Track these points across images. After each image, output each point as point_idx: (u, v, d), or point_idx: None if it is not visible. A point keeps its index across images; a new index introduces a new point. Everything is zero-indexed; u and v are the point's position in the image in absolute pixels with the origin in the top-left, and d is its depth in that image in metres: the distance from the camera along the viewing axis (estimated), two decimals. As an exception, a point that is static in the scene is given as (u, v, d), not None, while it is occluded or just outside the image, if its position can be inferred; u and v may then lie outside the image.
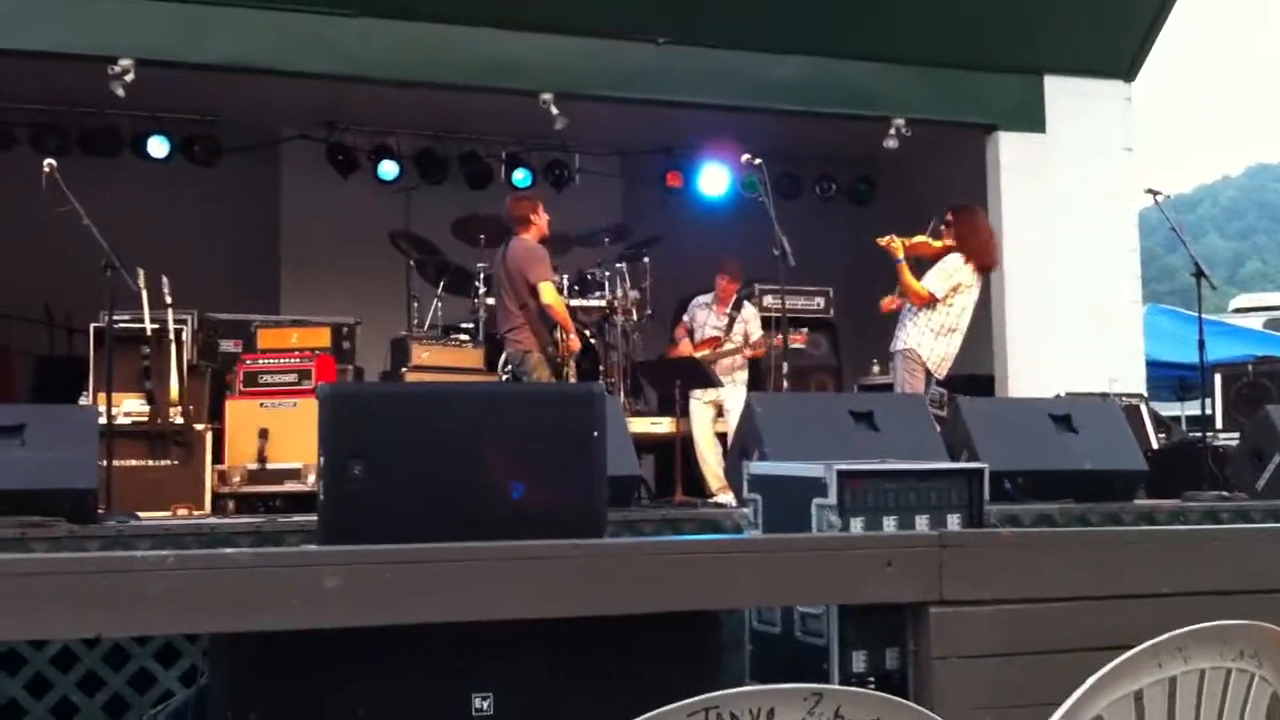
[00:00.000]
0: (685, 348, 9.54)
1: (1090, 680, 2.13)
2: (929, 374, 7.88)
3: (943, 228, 8.20)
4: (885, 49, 10.26)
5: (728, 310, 9.52)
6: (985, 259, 8.15)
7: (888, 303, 8.16)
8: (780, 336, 8.46)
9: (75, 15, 8.64)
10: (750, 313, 9.53)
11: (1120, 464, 6.63)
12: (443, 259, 10.09)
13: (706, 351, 9.32)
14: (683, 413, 8.86)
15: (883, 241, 8.01)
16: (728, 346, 9.39)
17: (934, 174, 11.45)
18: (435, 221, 10.48)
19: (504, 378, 8.81)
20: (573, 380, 8.27)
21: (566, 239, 10.00)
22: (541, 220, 8.38)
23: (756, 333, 9.41)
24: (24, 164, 8.61)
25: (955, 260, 7.99)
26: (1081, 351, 10.14)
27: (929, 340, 7.87)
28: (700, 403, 9.10)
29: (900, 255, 8.02)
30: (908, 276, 7.99)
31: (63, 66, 9.05)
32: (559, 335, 8.23)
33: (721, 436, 8.84)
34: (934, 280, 7.95)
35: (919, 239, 8.17)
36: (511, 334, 8.23)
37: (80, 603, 2.80)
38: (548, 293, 8.08)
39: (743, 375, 9.36)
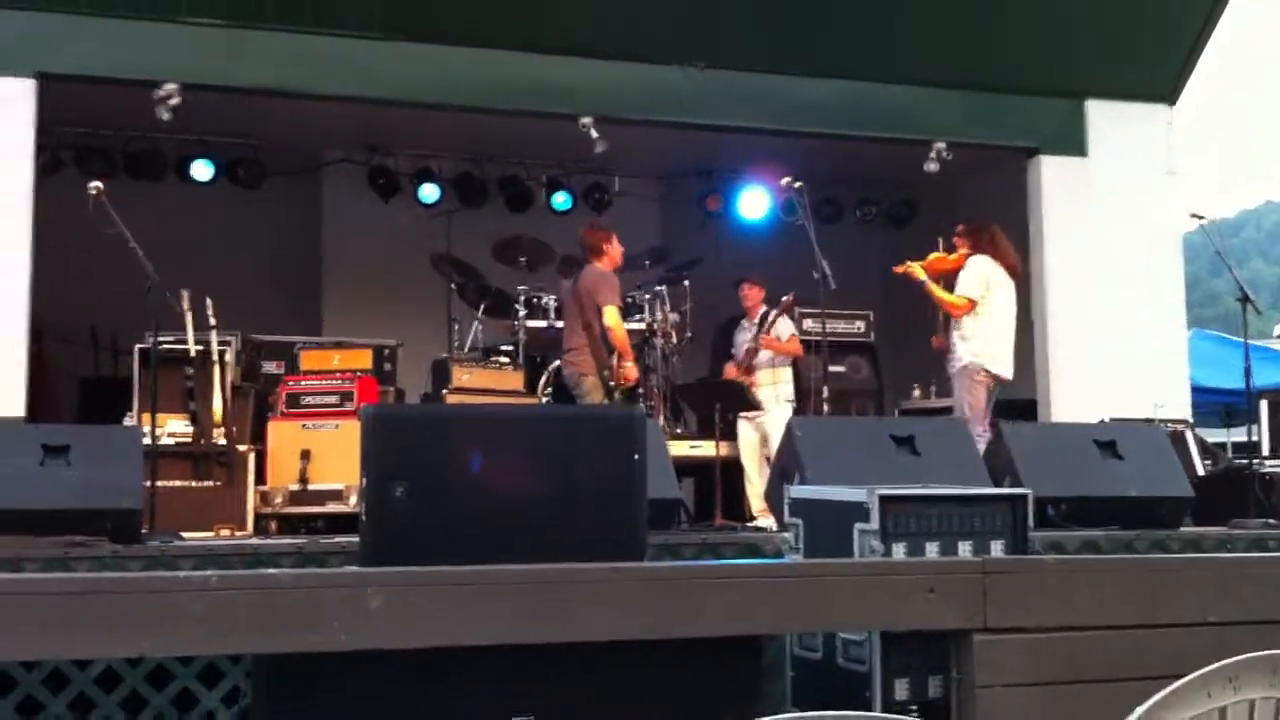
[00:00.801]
0: (729, 371, 9.52)
1: (1138, 711, 2.10)
2: (990, 388, 7.86)
3: (955, 241, 8.28)
4: (926, 72, 10.25)
5: (756, 320, 9.50)
6: (1007, 260, 8.14)
7: (938, 341, 8.18)
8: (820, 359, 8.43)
9: (120, 39, 8.74)
10: (783, 320, 9.43)
11: (1166, 490, 6.56)
12: (483, 282, 10.12)
13: (738, 368, 9.32)
14: (729, 435, 8.84)
15: (900, 269, 8.10)
16: (752, 347, 9.36)
17: (975, 197, 11.39)
18: (476, 244, 10.52)
19: (543, 399, 8.82)
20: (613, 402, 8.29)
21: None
22: (615, 250, 8.59)
23: (786, 333, 9.35)
24: (70, 187, 8.70)
25: (980, 261, 8.06)
26: (1126, 376, 10.04)
27: (985, 346, 7.88)
28: (748, 424, 9.08)
29: (922, 276, 8.06)
30: (940, 292, 8.03)
31: (108, 90, 9.15)
32: (615, 362, 8.27)
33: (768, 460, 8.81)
34: (967, 285, 7.98)
35: (934, 256, 8.22)
36: (570, 355, 8.39)
37: (123, 622, 2.82)
38: (610, 315, 8.19)
39: (786, 391, 9.25)
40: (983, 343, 7.90)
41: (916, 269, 8.10)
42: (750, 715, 3.87)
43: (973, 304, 7.91)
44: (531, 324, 9.40)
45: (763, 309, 9.46)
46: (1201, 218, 7.90)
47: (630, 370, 8.39)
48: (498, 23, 9.36)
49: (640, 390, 9.32)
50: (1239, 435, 11.69)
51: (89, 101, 9.67)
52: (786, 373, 9.31)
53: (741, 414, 9.00)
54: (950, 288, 8.11)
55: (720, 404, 8.58)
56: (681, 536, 5.91)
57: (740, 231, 12.25)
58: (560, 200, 12.06)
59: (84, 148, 10.79)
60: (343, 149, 11.83)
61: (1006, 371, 8.00)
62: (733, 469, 9.00)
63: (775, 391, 9.13)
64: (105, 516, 5.42)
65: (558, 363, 8.86)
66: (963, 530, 4.22)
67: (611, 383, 8.22)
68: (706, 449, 8.92)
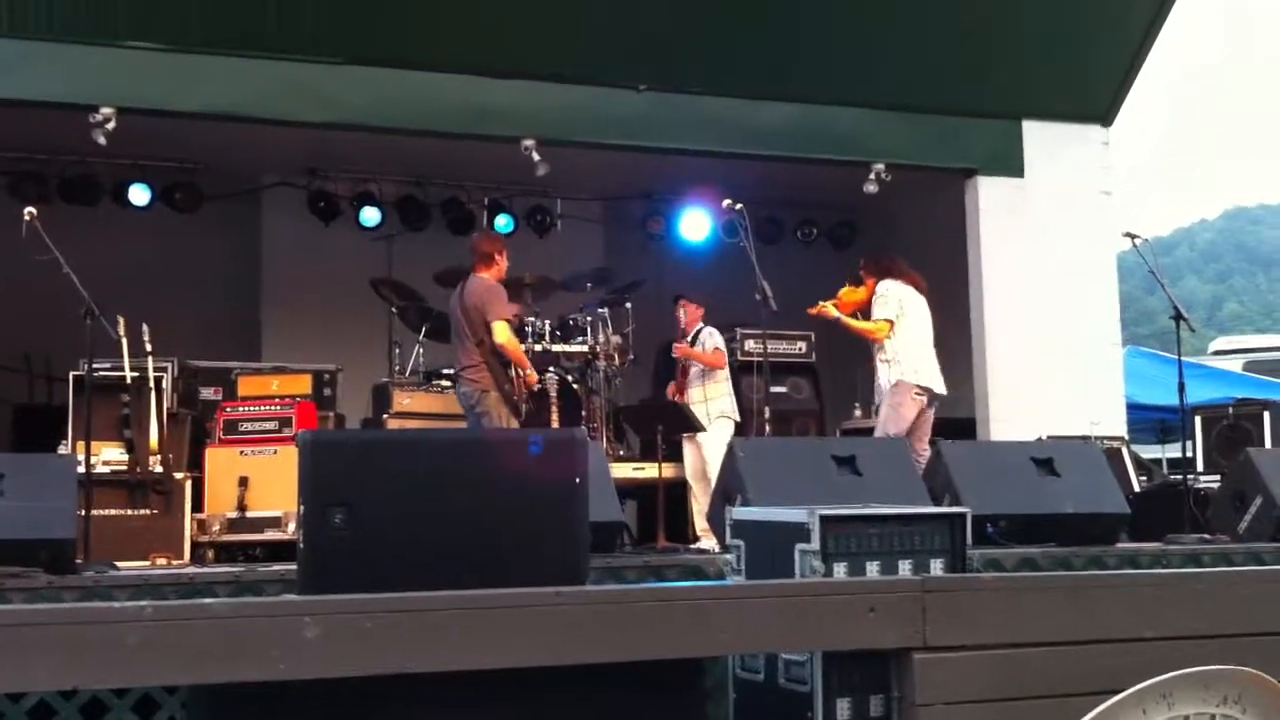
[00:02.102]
0: (670, 391, 9.54)
1: (1075, 727, 2.12)
2: (922, 407, 7.94)
3: (861, 273, 8.46)
4: (865, 95, 10.35)
5: (689, 338, 9.53)
6: (914, 280, 8.29)
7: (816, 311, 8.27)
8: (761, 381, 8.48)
9: (56, 63, 8.66)
10: (711, 331, 9.47)
11: (1102, 507, 6.63)
12: (424, 305, 10.08)
13: (675, 388, 9.37)
14: (672, 456, 8.86)
15: (814, 311, 8.21)
16: (681, 355, 9.43)
17: (914, 218, 11.53)
18: (417, 268, 10.48)
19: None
20: (521, 416, 8.22)
21: (549, 284, 10.01)
22: (504, 262, 8.36)
23: (712, 345, 9.35)
24: (3, 212, 8.60)
25: (889, 285, 8.23)
26: (1062, 395, 10.17)
27: (911, 363, 7.98)
28: (689, 444, 9.09)
29: (835, 314, 8.21)
30: (857, 324, 8.22)
31: (43, 114, 9.06)
32: (514, 373, 8.17)
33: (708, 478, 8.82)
34: (881, 309, 8.12)
35: (843, 292, 8.37)
36: (467, 373, 8.12)
37: (57, 654, 2.77)
38: (500, 332, 8.00)
39: (718, 407, 9.23)
40: (908, 361, 8.01)
41: (829, 308, 8.25)
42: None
43: (891, 325, 8.04)
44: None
45: (698, 326, 9.48)
46: (1136, 236, 8.01)
47: (531, 376, 8.29)
48: (439, 46, 9.37)
49: (583, 412, 9.32)
50: (1174, 451, 11.84)
51: (23, 126, 9.57)
52: (718, 388, 9.30)
53: (684, 435, 9.01)
54: (867, 318, 8.25)
55: (663, 426, 8.59)
56: (624, 559, 5.90)
57: (682, 253, 12.30)
58: (502, 223, 12.05)
59: (18, 173, 10.67)
60: (282, 173, 11.77)
61: (937, 384, 8.09)
62: (675, 491, 9.01)
63: (707, 409, 9.13)
64: (39, 546, 5.32)
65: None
66: (903, 549, 4.24)
67: (515, 396, 8.12)
68: (649, 471, 8.94)
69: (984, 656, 3.44)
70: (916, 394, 7.97)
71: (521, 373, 8.15)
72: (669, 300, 9.93)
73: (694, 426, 8.83)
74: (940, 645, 3.40)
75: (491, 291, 8.12)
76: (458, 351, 8.34)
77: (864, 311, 8.32)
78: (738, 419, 9.26)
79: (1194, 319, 8.62)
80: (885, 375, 8.07)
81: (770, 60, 10.00)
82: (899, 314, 8.08)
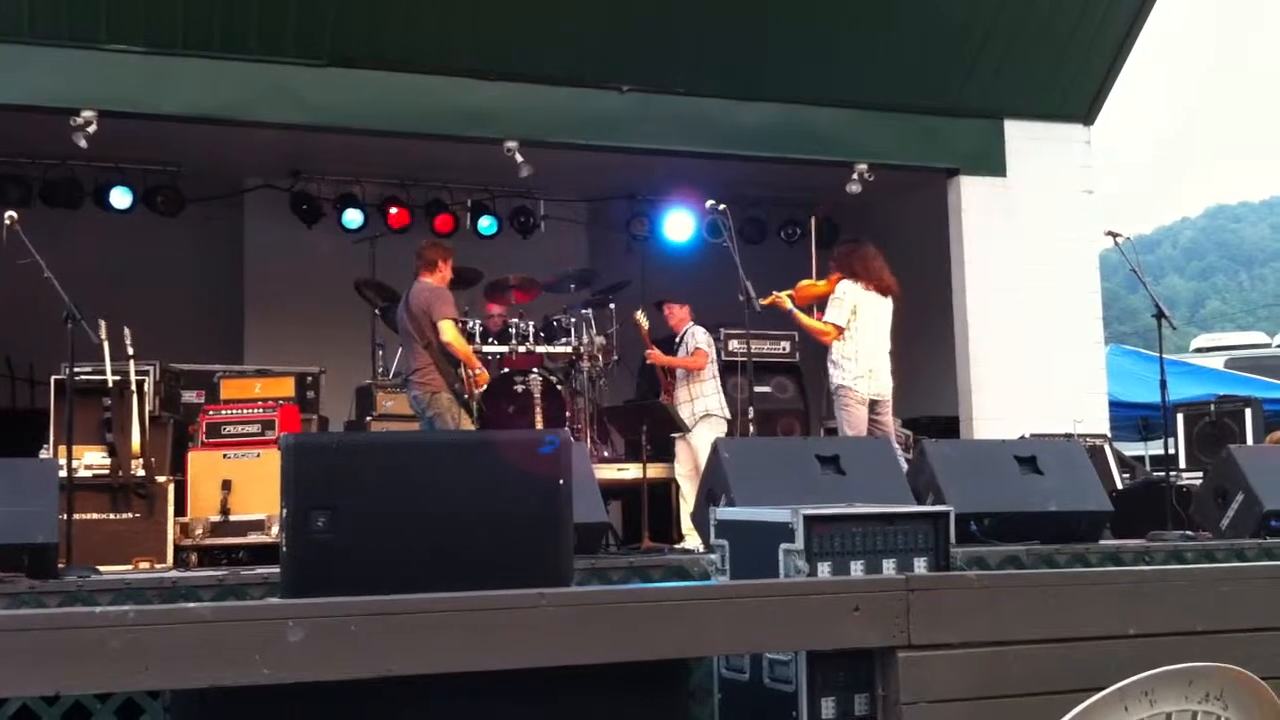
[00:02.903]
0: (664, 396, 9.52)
1: (1057, 725, 2.12)
2: (870, 405, 7.93)
3: (831, 263, 8.38)
4: (848, 95, 10.38)
5: (677, 340, 9.52)
6: (877, 282, 8.21)
7: (769, 300, 8.21)
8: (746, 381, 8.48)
9: (36, 67, 8.63)
10: (694, 331, 9.45)
11: (1085, 505, 6.65)
12: (408, 307, 10.05)
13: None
14: (656, 457, 8.84)
15: (766, 301, 8.10)
16: (654, 362, 9.42)
17: (897, 217, 11.55)
18: (400, 269, 10.46)
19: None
20: (474, 415, 8.19)
21: (533, 284, 10.00)
22: (448, 269, 8.36)
23: (693, 346, 9.32)
24: (-16, 216, 8.56)
25: (844, 285, 8.15)
26: (1045, 392, 10.21)
27: (853, 369, 7.96)
28: (680, 443, 9.08)
29: (789, 306, 8.16)
30: (807, 321, 8.17)
31: (24, 118, 9.03)
32: (464, 372, 8.16)
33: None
34: (832, 313, 8.09)
35: (803, 284, 8.31)
36: (417, 375, 8.12)
37: (39, 659, 2.76)
38: (447, 330, 7.98)
39: (703, 406, 9.20)
40: (851, 367, 7.98)
41: (784, 299, 8.19)
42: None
43: (840, 330, 8.00)
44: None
45: (686, 326, 9.47)
46: (1118, 235, 8.03)
47: (482, 375, 8.28)
48: (422, 47, 9.36)
49: (567, 414, 9.31)
50: (1156, 449, 11.87)
51: (5, 129, 9.53)
52: (702, 387, 9.26)
53: (675, 435, 9.00)
54: (824, 311, 8.21)
55: (647, 426, 8.58)
56: (609, 560, 5.89)
57: (666, 254, 12.32)
58: (485, 224, 12.07)
59: (0, 176, 10.63)
60: (264, 175, 11.75)
61: (875, 392, 8.03)
62: (659, 491, 9.00)
63: (692, 409, 9.13)
64: (21, 551, 5.30)
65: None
66: (887, 548, 4.25)
67: (466, 395, 8.10)
68: (634, 471, 8.93)
69: (968, 655, 3.44)
70: (860, 400, 7.95)
71: (472, 372, 8.12)
72: (652, 302, 9.93)
73: (678, 426, 8.83)
74: (924, 644, 3.40)
75: (435, 293, 8.14)
76: (407, 358, 8.35)
77: (822, 305, 8.27)
78: (727, 416, 9.21)
79: (1176, 317, 8.66)
80: (832, 378, 8.08)
81: (753, 61, 10.02)
82: (849, 319, 8.03)
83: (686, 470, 9.06)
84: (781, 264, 11.64)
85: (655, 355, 9.46)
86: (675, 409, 8.92)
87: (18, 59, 8.58)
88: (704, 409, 9.18)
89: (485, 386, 8.36)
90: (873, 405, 7.99)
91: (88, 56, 8.72)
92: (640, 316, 9.44)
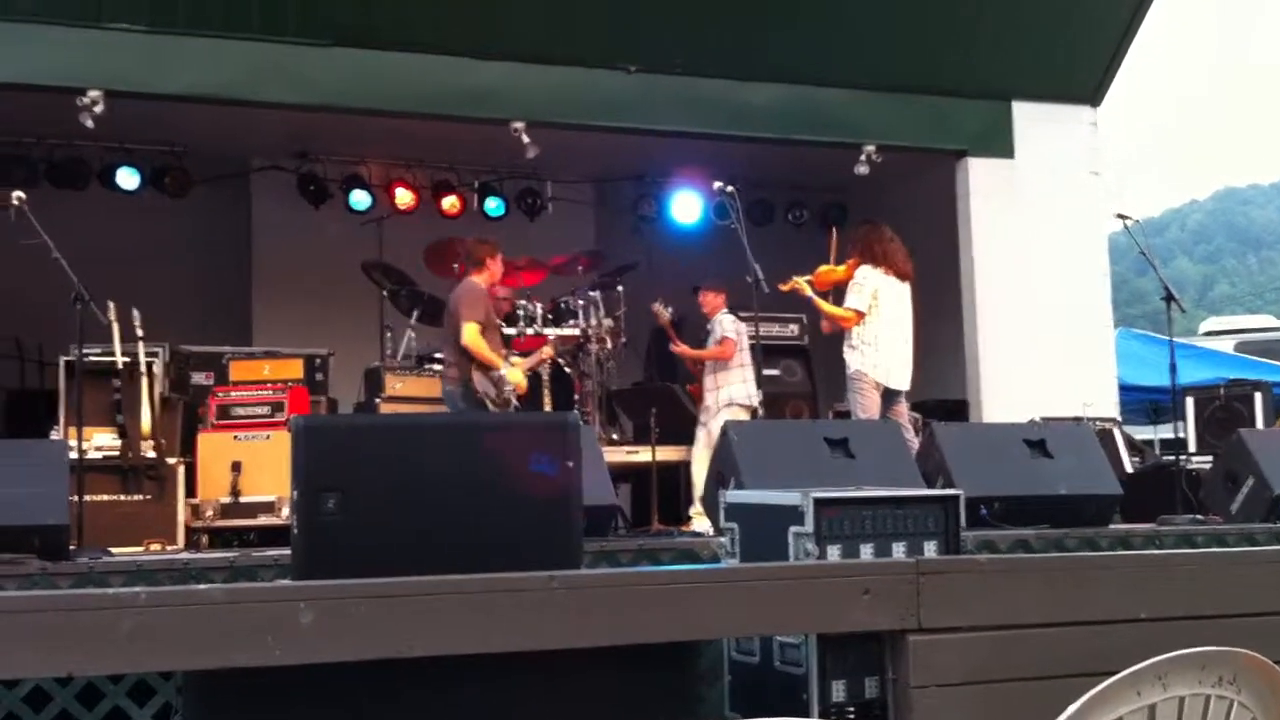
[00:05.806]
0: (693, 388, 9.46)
1: (1069, 710, 2.12)
2: (886, 392, 7.91)
3: (849, 246, 8.33)
4: (856, 76, 10.33)
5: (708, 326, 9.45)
6: (895, 266, 8.18)
7: (789, 286, 8.17)
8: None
9: (43, 46, 8.61)
10: (722, 320, 9.38)
11: (1095, 488, 6.64)
12: (416, 289, 10.06)
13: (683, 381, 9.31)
14: (665, 440, 8.80)
15: (786, 287, 8.07)
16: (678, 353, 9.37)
17: (905, 199, 11.51)
18: (407, 251, 10.46)
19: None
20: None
21: (540, 266, 9.99)
22: (496, 266, 8.34)
23: (719, 335, 9.20)
24: (-8, 197, 8.55)
25: (865, 270, 8.11)
26: (1054, 376, 10.18)
27: (871, 356, 7.93)
28: (699, 428, 9.05)
29: (809, 292, 8.12)
30: (827, 307, 8.13)
31: (30, 98, 9.00)
32: (493, 373, 8.10)
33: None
34: (853, 298, 8.05)
35: (822, 270, 8.28)
36: (447, 369, 8.19)
37: (52, 641, 2.77)
38: (468, 333, 7.92)
39: (728, 394, 9.08)
40: (870, 353, 7.94)
41: (803, 285, 8.15)
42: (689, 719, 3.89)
43: (860, 316, 7.97)
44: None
45: (717, 315, 9.37)
46: (1127, 218, 8.00)
47: (518, 381, 8.15)
48: (429, 27, 9.33)
49: (576, 396, 9.30)
50: (1166, 432, 11.88)
51: (10, 109, 9.51)
52: (728, 375, 9.12)
53: (700, 418, 8.98)
54: (842, 295, 8.17)
55: (656, 409, 8.58)
56: (618, 542, 5.90)
57: (674, 236, 12.29)
58: (493, 206, 12.04)
59: (5, 156, 10.60)
60: (271, 156, 11.73)
61: (893, 381, 7.96)
62: (669, 474, 9.00)
63: (716, 397, 9.09)
64: (32, 533, 5.31)
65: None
66: (896, 531, 4.25)
67: (477, 395, 7.99)
68: (643, 454, 8.93)
69: (978, 638, 3.45)
70: (875, 386, 7.93)
71: (497, 373, 8.04)
72: (661, 283, 9.91)
73: (688, 409, 8.82)
74: (934, 627, 3.40)
75: (468, 292, 8.11)
76: (445, 350, 8.36)
77: (842, 289, 8.25)
78: (753, 405, 8.90)
79: (1185, 300, 8.62)
80: (849, 362, 8.04)
81: (761, 41, 9.98)
82: (871, 305, 8.00)
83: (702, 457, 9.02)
84: (789, 246, 11.65)
85: (681, 349, 9.39)
86: (683, 394, 8.90)
87: (18, 37, 8.55)
88: (728, 397, 9.04)
89: (523, 391, 8.25)
90: (890, 394, 7.97)
91: (89, 35, 8.68)
92: (659, 307, 9.40)
